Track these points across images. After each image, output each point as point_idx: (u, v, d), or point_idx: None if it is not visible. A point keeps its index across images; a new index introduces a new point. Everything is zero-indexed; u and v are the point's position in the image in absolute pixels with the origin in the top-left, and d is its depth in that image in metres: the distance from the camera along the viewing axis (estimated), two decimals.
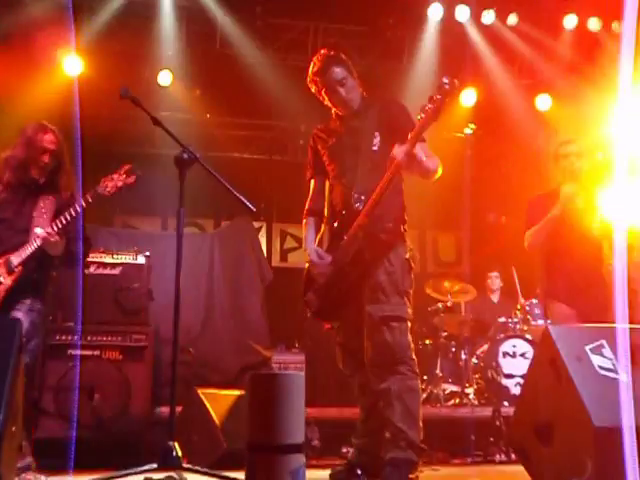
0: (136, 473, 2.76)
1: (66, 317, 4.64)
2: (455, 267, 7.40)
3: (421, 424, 3.27)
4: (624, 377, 2.56)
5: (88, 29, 6.42)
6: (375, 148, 3.42)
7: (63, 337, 4.53)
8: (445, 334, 6.44)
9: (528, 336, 5.97)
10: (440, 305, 6.49)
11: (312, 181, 3.69)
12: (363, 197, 3.33)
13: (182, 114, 7.36)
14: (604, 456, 2.37)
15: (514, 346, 5.88)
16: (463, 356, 6.22)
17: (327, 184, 3.62)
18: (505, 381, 5.75)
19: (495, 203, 8.27)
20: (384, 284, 3.30)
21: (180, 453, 2.81)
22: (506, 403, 5.48)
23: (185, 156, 2.96)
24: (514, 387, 5.75)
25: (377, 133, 3.43)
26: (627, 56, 2.84)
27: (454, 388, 6.15)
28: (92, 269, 4.78)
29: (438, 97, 3.12)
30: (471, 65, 7.36)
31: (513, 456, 4.38)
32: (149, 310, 4.88)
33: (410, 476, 3.15)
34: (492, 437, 4.78)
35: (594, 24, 7.40)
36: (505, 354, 5.87)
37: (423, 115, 3.14)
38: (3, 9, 5.89)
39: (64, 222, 3.57)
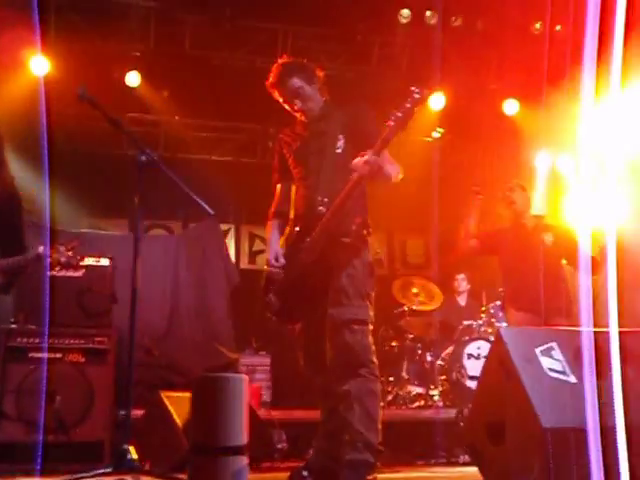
0: (90, 477, 2.75)
1: (28, 319, 4.60)
2: (423, 270, 7.46)
3: (380, 426, 3.29)
4: (573, 379, 2.61)
5: (55, 29, 6.37)
6: (339, 151, 3.44)
7: (24, 340, 4.48)
8: (411, 336, 6.49)
9: (492, 338, 6.03)
10: (406, 307, 6.53)
11: (278, 185, 3.71)
12: (327, 200, 3.35)
13: (150, 115, 7.35)
14: (551, 457, 2.41)
15: (478, 348, 5.94)
16: (429, 358, 6.27)
17: (293, 188, 3.64)
18: (469, 383, 5.80)
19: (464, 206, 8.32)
20: (346, 287, 3.31)
21: (135, 456, 2.80)
22: (470, 405, 5.52)
23: (143, 158, 2.94)
24: None
25: (341, 136, 3.45)
26: (590, 63, 2.89)
27: (419, 390, 6.19)
28: (55, 271, 4.74)
29: (407, 106, 3.14)
30: (440, 69, 7.44)
31: None
32: (113, 313, 4.85)
33: (368, 477, 3.16)
34: (456, 438, 4.83)
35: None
36: (470, 356, 5.93)
37: (392, 123, 3.17)
38: None
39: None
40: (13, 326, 4.56)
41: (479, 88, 7.74)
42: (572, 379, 2.60)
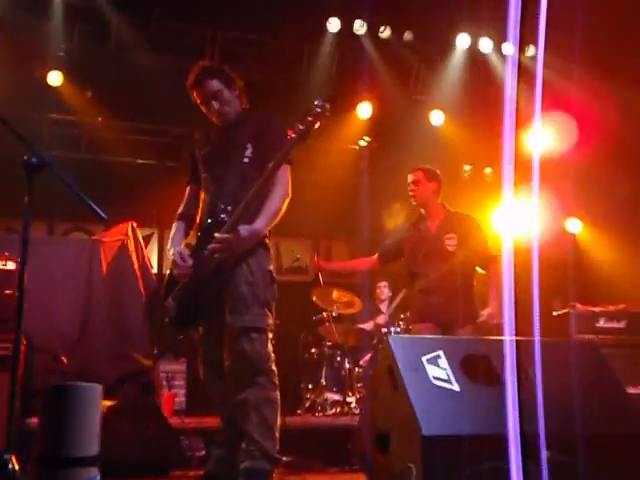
0: None
1: None
2: (347, 277, 7.50)
3: (277, 435, 3.28)
4: (456, 387, 2.65)
5: None
6: (246, 160, 3.42)
7: None
8: (330, 343, 6.50)
9: None
10: (325, 314, 6.55)
11: (188, 187, 3.68)
12: (229, 208, 3.33)
13: (72, 116, 7.19)
14: (431, 464, 2.44)
15: None
16: (347, 365, 6.29)
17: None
18: None
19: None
20: (245, 294, 3.29)
21: (17, 467, 2.71)
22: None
23: (34, 161, 2.85)
24: None
25: (250, 145, 3.43)
26: (512, 77, 2.94)
27: (336, 397, 6.20)
28: None
29: (309, 119, 3.17)
30: (367, 78, 7.53)
31: None
32: (20, 317, 4.68)
33: None
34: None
35: (485, 45, 7.70)
36: None
37: (293, 135, 3.18)
38: None
39: None
40: None
41: (406, 98, 7.85)
42: (456, 387, 2.64)
